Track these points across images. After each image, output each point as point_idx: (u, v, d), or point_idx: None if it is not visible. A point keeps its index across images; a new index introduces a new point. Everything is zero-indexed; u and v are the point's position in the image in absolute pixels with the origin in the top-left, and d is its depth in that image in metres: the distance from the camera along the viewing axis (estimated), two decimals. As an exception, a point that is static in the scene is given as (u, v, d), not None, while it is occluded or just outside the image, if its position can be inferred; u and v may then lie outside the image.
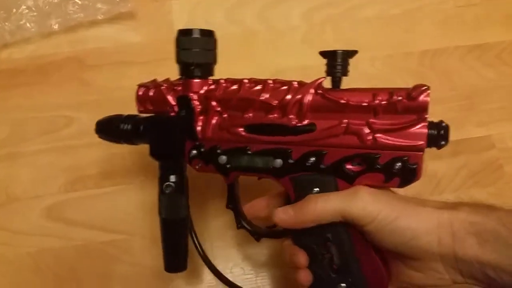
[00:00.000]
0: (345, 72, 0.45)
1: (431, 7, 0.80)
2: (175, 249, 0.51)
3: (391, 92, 0.42)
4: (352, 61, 0.71)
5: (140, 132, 0.51)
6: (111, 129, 0.53)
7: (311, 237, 0.45)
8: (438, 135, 0.43)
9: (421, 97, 0.42)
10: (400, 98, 0.42)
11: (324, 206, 0.43)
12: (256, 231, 0.51)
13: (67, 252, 0.65)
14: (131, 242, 0.65)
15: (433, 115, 0.73)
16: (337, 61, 0.45)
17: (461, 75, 0.77)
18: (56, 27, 0.76)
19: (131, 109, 0.72)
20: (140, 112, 0.52)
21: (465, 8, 0.80)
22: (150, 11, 0.78)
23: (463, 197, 0.68)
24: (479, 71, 0.77)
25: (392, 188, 0.46)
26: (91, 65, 0.77)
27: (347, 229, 0.44)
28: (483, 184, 0.70)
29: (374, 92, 0.43)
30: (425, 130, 0.42)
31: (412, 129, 0.42)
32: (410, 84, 0.71)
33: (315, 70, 0.74)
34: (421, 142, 0.42)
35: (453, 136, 0.72)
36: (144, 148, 0.61)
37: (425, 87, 0.42)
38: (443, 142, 0.43)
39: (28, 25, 0.76)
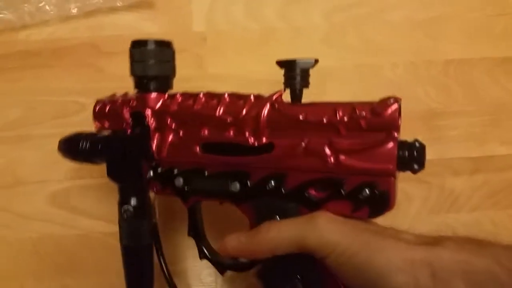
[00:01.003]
0: (305, 84, 0.41)
1: (459, 14, 0.76)
2: (137, 279, 0.48)
3: (353, 107, 0.37)
4: (372, 67, 0.70)
5: (98, 151, 0.47)
6: (71, 147, 0.49)
7: (276, 271, 0.40)
8: (411, 157, 0.37)
9: (388, 112, 0.37)
10: (363, 113, 0.37)
11: (278, 234, 0.38)
12: (220, 262, 0.46)
13: (68, 240, 0.64)
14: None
15: (454, 129, 0.71)
16: (296, 72, 0.40)
17: (487, 89, 0.73)
18: (75, 11, 0.75)
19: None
20: (98, 130, 0.49)
21: (495, 17, 0.76)
22: (169, 0, 0.76)
23: (481, 217, 0.66)
24: (506, 85, 0.73)
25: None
26: (107, 52, 0.76)
27: (315, 264, 0.38)
28: (503, 205, 0.67)
29: (335, 107, 0.38)
30: (395, 151, 0.36)
31: (380, 149, 0.36)
32: (432, 95, 0.71)
33: (333, 71, 0.73)
34: (390, 166, 0.36)
35: (474, 152, 0.70)
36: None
37: (392, 100, 0.37)
38: (416, 166, 0.37)
39: (47, 7, 0.75)
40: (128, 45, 0.76)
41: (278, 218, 0.39)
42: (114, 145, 0.46)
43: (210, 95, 0.44)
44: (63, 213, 0.66)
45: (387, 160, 0.36)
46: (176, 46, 0.77)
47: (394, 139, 0.36)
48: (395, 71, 0.74)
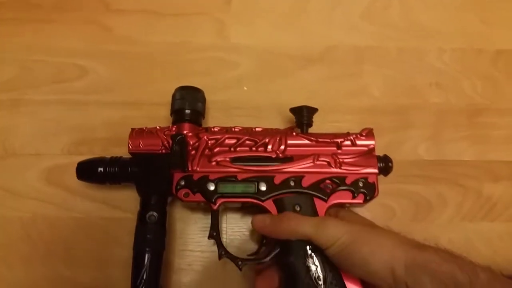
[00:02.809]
0: (310, 124, 0.57)
1: (517, -2, 0.68)
2: (149, 284, 0.49)
3: (343, 137, 0.55)
4: (417, 52, 0.69)
5: (128, 173, 0.53)
6: (95, 173, 0.54)
7: (295, 255, 0.49)
8: (385, 167, 0.54)
9: (363, 144, 0.54)
10: (348, 142, 0.54)
11: (296, 226, 0.48)
12: (238, 258, 0.52)
13: (63, 223, 0.58)
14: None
15: (498, 129, 0.64)
16: (304, 117, 0.56)
17: (540, 87, 0.66)
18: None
19: (153, 68, 0.64)
20: (131, 151, 0.54)
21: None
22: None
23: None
24: (559, 83, 0.66)
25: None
26: (117, 9, 0.67)
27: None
28: (544, 218, 0.61)
29: (336, 135, 0.55)
30: (376, 160, 0.54)
31: (367, 158, 0.54)
32: (478, 88, 0.64)
33: (372, 51, 0.65)
34: (375, 167, 0.53)
35: (516, 156, 0.64)
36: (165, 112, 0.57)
37: (365, 135, 0.54)
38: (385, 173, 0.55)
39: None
40: (141, 4, 0.68)
41: (298, 209, 0.52)
42: (151, 163, 0.54)
43: (243, 128, 0.56)
44: (58, 192, 0.59)
45: (372, 163, 0.53)
46: (193, 8, 0.69)
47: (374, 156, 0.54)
48: (441, 58, 0.66)
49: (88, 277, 0.56)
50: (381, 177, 0.58)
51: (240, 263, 0.52)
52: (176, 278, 0.56)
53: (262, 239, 0.54)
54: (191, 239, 0.58)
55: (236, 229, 0.59)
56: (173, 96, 0.57)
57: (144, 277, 0.49)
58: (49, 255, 0.57)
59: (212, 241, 0.53)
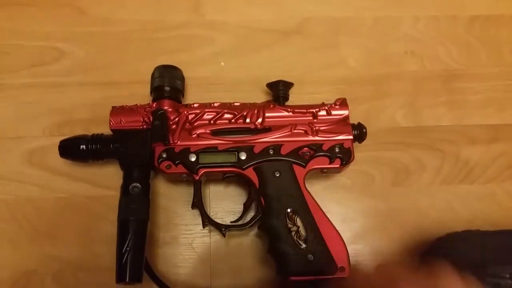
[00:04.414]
0: (286, 98, 0.59)
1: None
2: (132, 251, 0.50)
3: (318, 107, 0.57)
4: (392, 21, 0.70)
5: (110, 149, 0.55)
6: (78, 150, 0.55)
7: (276, 217, 0.52)
8: (359, 133, 0.56)
9: (338, 114, 0.56)
10: (324, 112, 0.56)
11: None
12: (222, 225, 0.54)
13: (47, 203, 0.58)
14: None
15: (475, 94, 0.65)
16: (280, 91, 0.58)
17: (514, 50, 0.67)
18: None
19: (130, 47, 0.64)
20: (112, 128, 0.55)
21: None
22: None
23: (497, 190, 0.61)
24: (535, 47, 0.67)
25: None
26: (90, -10, 0.67)
27: (305, 201, 0.53)
28: (520, 178, 0.62)
29: (311, 106, 0.57)
30: (350, 127, 0.56)
31: (343, 125, 0.56)
32: (453, 54, 0.65)
33: (348, 22, 0.65)
34: (350, 134, 0.55)
35: (493, 120, 0.65)
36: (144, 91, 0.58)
37: (339, 105, 0.57)
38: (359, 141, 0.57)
39: None
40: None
41: (278, 175, 0.54)
42: (132, 138, 0.55)
43: (221, 103, 0.57)
44: (41, 174, 0.59)
45: (347, 130, 0.56)
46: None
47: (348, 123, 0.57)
48: (416, 26, 0.67)
49: (75, 254, 0.57)
50: (360, 146, 0.60)
51: (224, 229, 0.54)
52: (161, 252, 0.57)
53: (245, 206, 0.55)
54: (175, 213, 0.59)
55: (219, 202, 0.59)
56: (152, 75, 0.58)
57: (129, 244, 0.50)
58: (35, 235, 0.57)
59: (196, 215, 0.54)
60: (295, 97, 0.60)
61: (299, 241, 0.51)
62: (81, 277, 0.56)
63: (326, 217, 0.53)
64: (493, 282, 0.46)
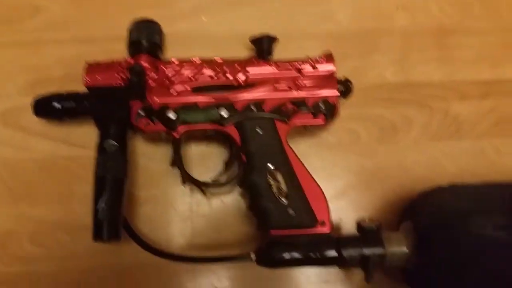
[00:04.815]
0: (270, 53, 0.55)
1: None
2: (109, 209, 0.49)
3: (303, 61, 0.54)
4: None
5: (85, 107, 0.53)
6: (52, 109, 0.53)
7: (257, 174, 0.51)
8: (346, 89, 0.54)
9: (323, 69, 0.54)
10: (308, 67, 0.54)
11: None
12: (202, 183, 0.54)
13: (23, 164, 0.57)
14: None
15: (466, 49, 0.63)
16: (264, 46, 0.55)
17: (508, 3, 0.64)
18: None
19: (107, 1, 0.62)
20: (87, 85, 0.53)
21: None
22: None
23: (485, 146, 0.60)
24: (529, 0, 0.64)
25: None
26: None
27: (287, 157, 0.52)
28: (510, 134, 0.60)
29: (294, 61, 0.55)
30: (336, 81, 0.54)
31: (328, 80, 0.54)
32: (445, 8, 0.64)
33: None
34: (336, 89, 0.53)
35: (485, 75, 0.63)
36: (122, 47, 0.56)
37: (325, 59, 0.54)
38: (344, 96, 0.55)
39: None
40: None
41: (260, 131, 0.52)
42: (108, 95, 0.52)
43: (202, 59, 0.54)
44: (16, 134, 0.58)
45: (333, 86, 0.53)
46: None
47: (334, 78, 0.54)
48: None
49: (53, 214, 0.56)
50: (347, 102, 0.58)
51: (203, 187, 0.53)
52: (142, 211, 0.56)
53: (225, 163, 0.54)
54: (156, 172, 0.58)
55: (202, 161, 0.58)
56: (130, 29, 0.56)
57: (106, 202, 0.49)
58: (12, 197, 0.56)
59: (177, 174, 0.53)
60: (280, 53, 0.58)
61: (280, 197, 0.50)
62: (59, 236, 0.55)
63: (308, 173, 0.52)
64: (475, 231, 0.45)
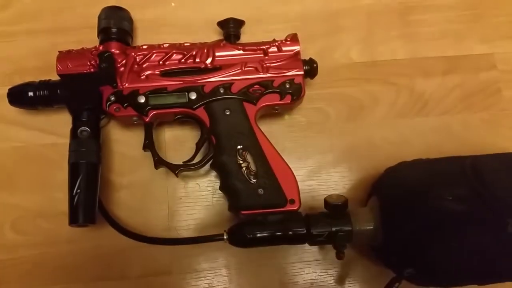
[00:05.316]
0: (238, 36, 0.58)
1: None
2: (85, 196, 0.51)
3: (269, 44, 0.56)
4: None
5: (58, 95, 0.54)
6: (26, 97, 0.54)
7: (226, 154, 0.53)
8: (311, 69, 0.56)
9: (289, 49, 0.56)
10: (274, 48, 0.56)
11: None
12: (174, 165, 0.55)
13: (2, 153, 0.59)
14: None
15: (430, 25, 0.64)
16: (230, 29, 0.57)
17: (472, -19, 0.66)
18: None
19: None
20: (59, 73, 0.54)
21: None
22: None
23: (452, 121, 0.61)
24: (492, -25, 0.65)
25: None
26: None
27: (256, 137, 0.53)
28: (476, 109, 0.62)
29: (263, 43, 0.56)
30: (301, 62, 0.56)
31: (293, 61, 0.56)
32: None
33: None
34: (301, 69, 0.55)
35: (449, 51, 0.64)
36: (94, 36, 0.57)
37: (290, 41, 0.56)
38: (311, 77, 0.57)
39: None
40: None
41: (228, 112, 0.54)
42: (79, 81, 0.54)
43: (170, 44, 0.56)
44: (-6, 124, 0.59)
45: (298, 66, 0.55)
46: None
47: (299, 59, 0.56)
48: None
49: (33, 201, 0.58)
50: (315, 84, 0.60)
51: (175, 170, 0.54)
52: (118, 196, 0.58)
53: (197, 145, 0.56)
54: (130, 158, 0.59)
55: (176, 145, 0.60)
56: (99, 16, 0.57)
57: (80, 187, 0.51)
58: (-9, 185, 0.58)
59: (151, 159, 0.54)
60: (248, 36, 0.59)
61: (250, 176, 0.52)
62: (40, 223, 0.57)
63: (277, 152, 0.53)
64: (435, 204, 0.47)
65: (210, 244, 0.55)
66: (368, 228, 0.51)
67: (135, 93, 0.54)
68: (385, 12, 0.64)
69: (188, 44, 0.57)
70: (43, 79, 0.56)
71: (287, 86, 0.54)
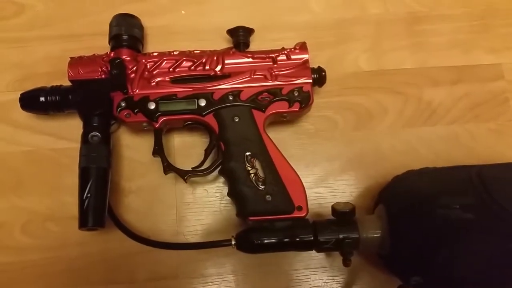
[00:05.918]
0: (247, 44, 0.58)
1: None
2: (95, 200, 0.52)
3: (278, 52, 0.57)
4: None
5: (69, 100, 0.55)
6: (37, 103, 0.55)
7: (235, 161, 0.53)
8: (319, 77, 0.57)
9: (297, 57, 0.57)
10: (283, 57, 0.56)
11: None
12: (183, 171, 0.55)
13: (13, 157, 0.59)
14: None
15: (438, 35, 0.65)
16: (240, 37, 0.58)
17: (480, -9, 0.66)
18: None
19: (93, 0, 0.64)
20: (71, 79, 0.55)
21: None
22: None
23: (459, 131, 0.62)
24: (500, -14, 0.66)
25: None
26: None
27: (264, 144, 0.54)
28: (483, 119, 0.62)
29: (272, 51, 0.57)
30: (309, 70, 0.56)
31: (302, 69, 0.56)
32: None
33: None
34: (309, 77, 0.56)
35: (457, 61, 0.65)
36: (105, 42, 0.58)
37: (299, 49, 0.57)
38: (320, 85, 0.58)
39: None
40: None
41: (237, 119, 0.54)
42: (90, 87, 0.55)
43: (181, 51, 0.57)
44: (5, 128, 0.60)
45: (307, 74, 0.56)
46: None
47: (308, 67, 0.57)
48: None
49: (42, 205, 0.58)
50: (323, 92, 0.60)
51: (185, 175, 0.55)
52: (127, 201, 0.59)
53: (206, 152, 0.56)
54: (140, 163, 0.60)
55: (184, 151, 0.60)
56: (110, 23, 0.58)
57: (90, 191, 0.52)
58: (2, 189, 0.59)
59: (161, 164, 0.55)
60: (258, 44, 0.60)
61: (258, 183, 0.52)
62: (50, 226, 0.58)
63: (285, 159, 0.54)
64: (443, 213, 0.47)
65: (218, 249, 0.55)
66: (375, 235, 0.51)
67: (146, 100, 0.55)
68: (393, 21, 0.65)
69: (198, 51, 0.57)
70: (54, 84, 0.57)
71: (296, 94, 0.55)
